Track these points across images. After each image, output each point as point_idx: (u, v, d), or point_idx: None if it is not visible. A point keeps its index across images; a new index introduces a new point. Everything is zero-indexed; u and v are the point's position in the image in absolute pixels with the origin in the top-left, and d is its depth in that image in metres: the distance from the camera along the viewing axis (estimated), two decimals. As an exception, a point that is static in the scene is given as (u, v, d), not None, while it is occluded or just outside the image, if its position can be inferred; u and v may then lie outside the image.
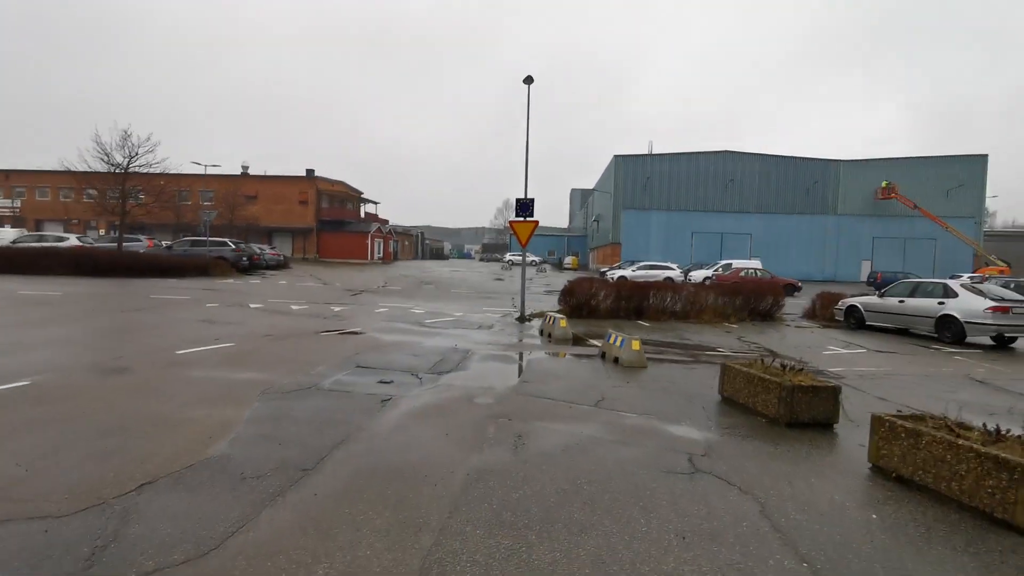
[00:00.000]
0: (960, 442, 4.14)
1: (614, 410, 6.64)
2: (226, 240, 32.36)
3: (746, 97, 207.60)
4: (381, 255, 64.00)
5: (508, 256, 71.19)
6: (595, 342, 12.20)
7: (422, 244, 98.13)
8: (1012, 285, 20.14)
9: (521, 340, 12.42)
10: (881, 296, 15.72)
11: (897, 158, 55.04)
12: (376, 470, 4.51)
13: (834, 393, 6.19)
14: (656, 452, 5.14)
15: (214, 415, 5.74)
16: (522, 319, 15.72)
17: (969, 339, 13.27)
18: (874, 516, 3.95)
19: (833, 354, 11.93)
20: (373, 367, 8.54)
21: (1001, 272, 44.82)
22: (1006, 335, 13.12)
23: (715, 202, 55.47)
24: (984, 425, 4.33)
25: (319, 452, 4.85)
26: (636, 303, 17.03)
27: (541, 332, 13.31)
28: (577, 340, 12.43)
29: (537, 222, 16.06)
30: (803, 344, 13.14)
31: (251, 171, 59.63)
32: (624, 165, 56.41)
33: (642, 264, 35.53)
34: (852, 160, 54.92)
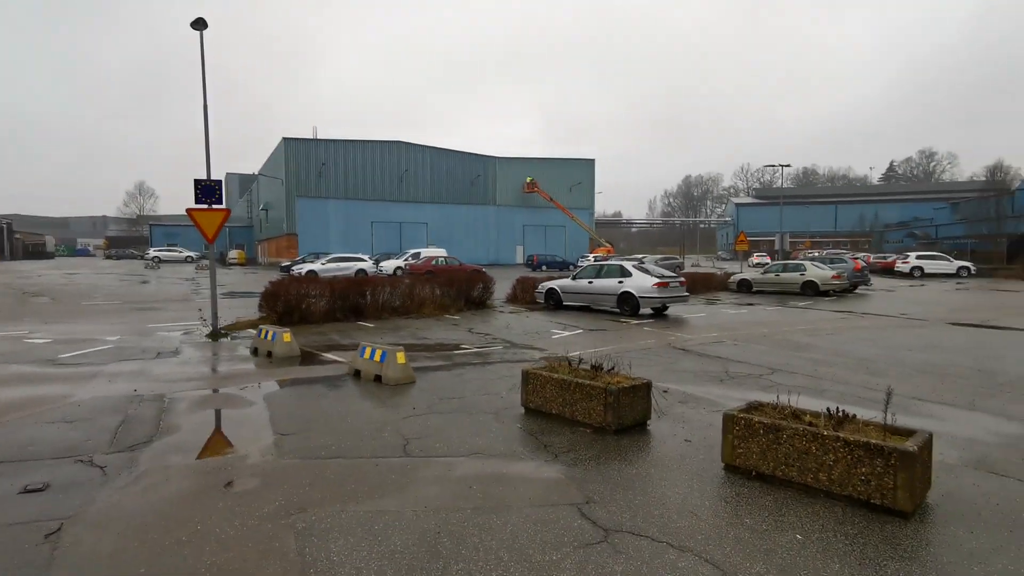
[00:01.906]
0: (826, 433, 4.21)
1: (432, 456, 5.15)
2: None
3: (421, 94, 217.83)
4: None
5: (152, 252, 58.19)
6: (331, 356, 10.14)
7: (10, 239, 72.45)
8: (667, 263, 25.57)
9: (232, 367, 9.45)
10: (574, 279, 17.74)
11: (537, 158, 65.24)
12: None
13: (647, 389, 6.07)
14: (538, 517, 3.95)
15: None
16: (215, 336, 12.25)
17: (642, 311, 15.98)
18: (799, 537, 3.64)
19: (560, 337, 12.67)
20: (-7, 462, 4.94)
21: (608, 252, 57.92)
22: (665, 305, 16.28)
23: (393, 192, 56.08)
24: (828, 410, 4.55)
25: None
26: (353, 302, 15.25)
27: (255, 351, 10.45)
28: (308, 356, 10.14)
29: (228, 211, 12.68)
30: (530, 330, 13.69)
31: None
32: (296, 149, 51.98)
33: (332, 257, 33.15)
34: (505, 157, 62.69)
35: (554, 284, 18.10)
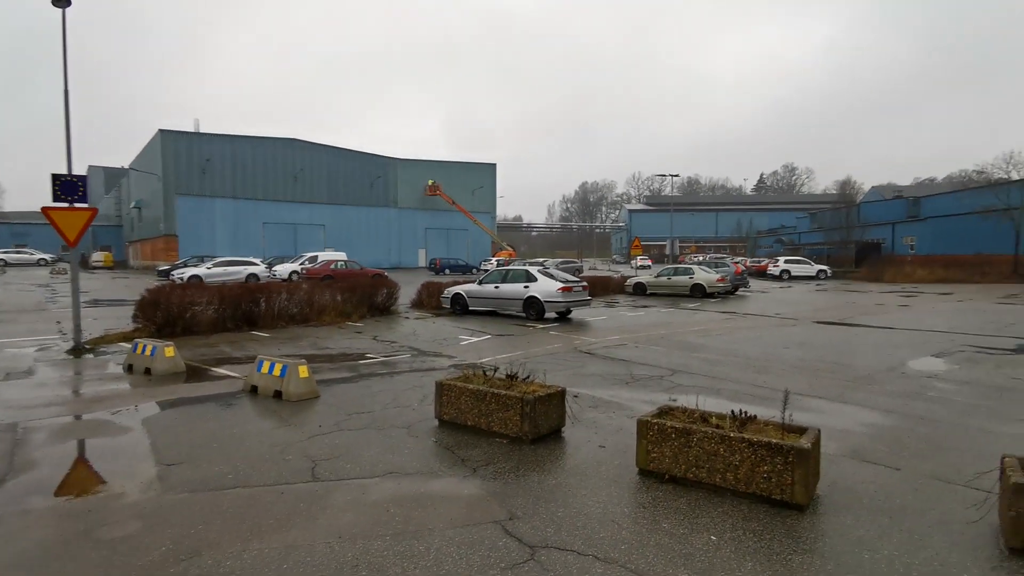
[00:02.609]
0: (732, 434, 4.46)
1: (344, 479, 4.84)
2: None
3: (322, 94, 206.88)
4: None
5: (-6, 253, 50.59)
6: (223, 370, 9.32)
7: None
8: (567, 267, 26.11)
9: (102, 388, 8.38)
10: (480, 284, 17.71)
11: (439, 161, 64.69)
12: None
13: (561, 397, 6.12)
14: (462, 539, 3.82)
15: None
16: (78, 351, 10.83)
17: (547, 315, 16.28)
18: (714, 538, 3.81)
19: (469, 343, 12.57)
20: None
21: (510, 255, 58.74)
22: (569, 309, 16.70)
23: (287, 192, 53.09)
24: (732, 412, 4.82)
25: None
26: (246, 310, 14.17)
27: (129, 368, 9.35)
28: (195, 372, 9.24)
29: (94, 211, 11.29)
30: (438, 336, 13.45)
31: None
32: (175, 143, 47.66)
33: (220, 260, 30.62)
34: (406, 159, 61.57)
35: (460, 289, 17.96)
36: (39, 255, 53.53)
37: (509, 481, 4.79)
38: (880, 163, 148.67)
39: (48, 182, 10.72)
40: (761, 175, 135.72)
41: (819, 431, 4.62)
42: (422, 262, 59.16)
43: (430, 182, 61.21)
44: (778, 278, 40.10)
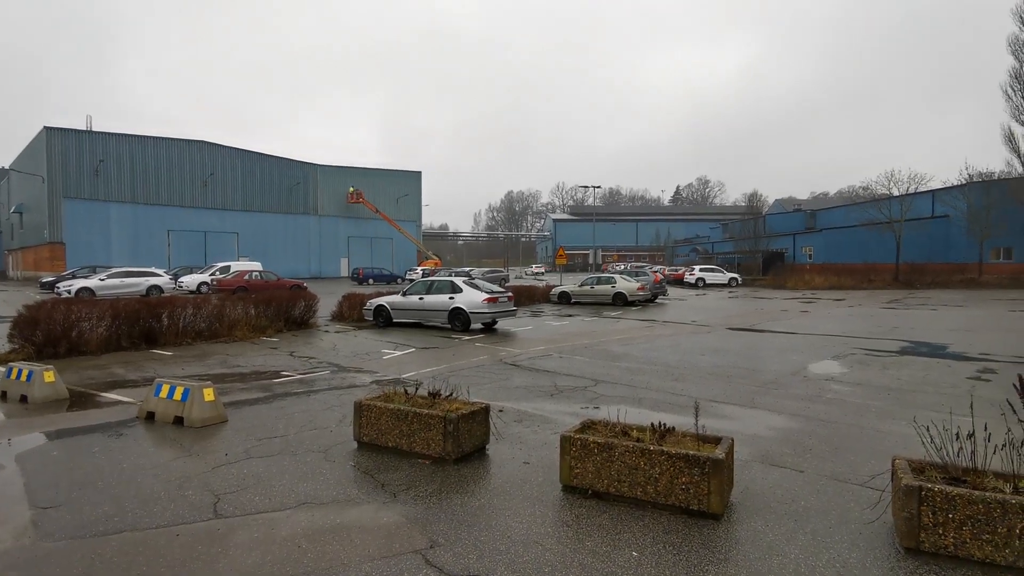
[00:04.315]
0: (652, 448, 4.53)
1: (250, 513, 4.47)
2: None
3: (242, 100, 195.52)
4: None
5: None
6: (114, 395, 8.49)
7: None
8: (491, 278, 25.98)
9: (-34, 419, 7.36)
10: (404, 295, 17.31)
11: (362, 168, 63.09)
12: None
13: (486, 413, 6.02)
14: (380, 573, 3.61)
15: None
16: (-61, 377, 9.50)
17: (473, 326, 16.15)
18: (635, 554, 3.82)
19: (392, 357, 12.22)
20: None
21: (435, 265, 58.18)
22: (495, 319, 16.66)
23: (195, 197, 49.88)
24: (652, 425, 4.90)
25: None
26: (145, 326, 13.06)
27: (3, 396, 8.30)
28: (80, 398, 8.35)
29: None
30: (360, 351, 12.97)
31: None
32: (62, 142, 43.58)
33: (115, 271, 28.11)
34: (328, 165, 59.62)
35: (383, 300, 17.49)
36: None
37: (431, 505, 4.62)
38: (782, 177, 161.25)
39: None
40: (677, 187, 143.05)
41: (732, 440, 4.79)
42: (344, 272, 57.37)
43: (352, 189, 59.57)
44: (694, 286, 42.16)
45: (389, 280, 45.79)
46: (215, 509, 4.55)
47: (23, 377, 8.19)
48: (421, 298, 16.84)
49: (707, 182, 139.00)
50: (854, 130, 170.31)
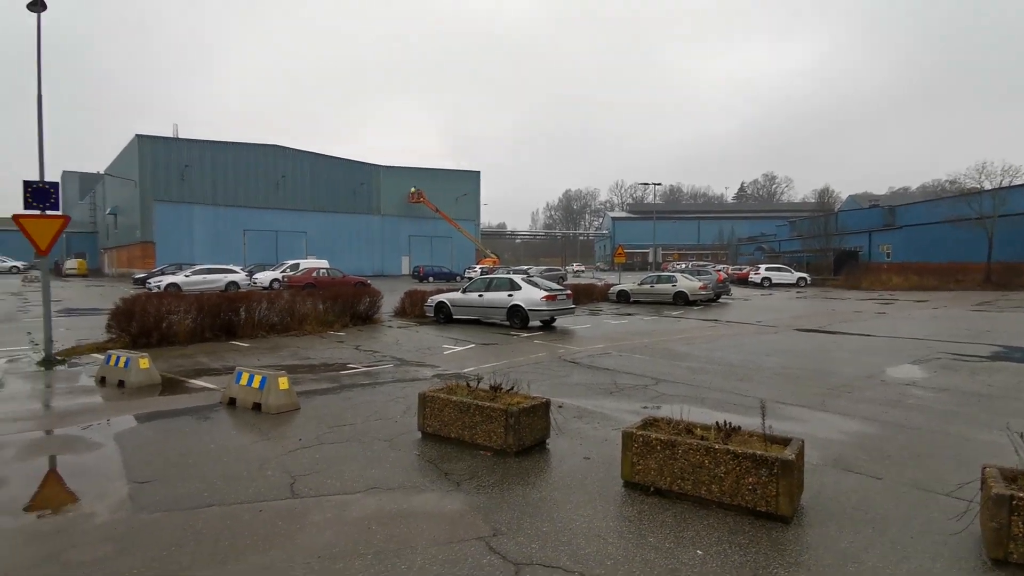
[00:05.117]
0: (717, 446, 4.44)
1: (324, 495, 4.72)
2: None
3: (311, 105, 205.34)
4: None
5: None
6: (200, 382, 9.11)
7: None
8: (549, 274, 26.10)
9: (73, 401, 8.13)
10: (464, 292, 17.61)
11: (423, 168, 64.51)
12: None
13: (546, 408, 6.07)
14: (445, 557, 3.73)
15: None
16: (49, 363, 10.52)
17: (531, 323, 16.23)
18: (700, 552, 3.78)
19: (453, 352, 12.47)
20: None
21: (494, 263, 58.74)
22: (554, 317, 16.68)
23: (268, 198, 52.55)
24: (716, 423, 4.81)
25: None
26: (225, 319, 13.92)
27: (102, 381, 9.09)
28: (171, 384, 9.02)
29: (66, 219, 11.00)
30: (422, 346, 13.32)
31: None
32: (152, 148, 46.96)
33: (198, 268, 30.12)
34: (390, 166, 61.34)
35: (444, 297, 17.85)
36: (11, 263, 52.25)
37: (493, 495, 4.72)
38: (857, 173, 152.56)
39: (20, 188, 10.44)
40: (742, 184, 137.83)
41: (803, 442, 4.62)
42: (405, 270, 58.87)
43: (413, 189, 61.03)
44: (759, 285, 40.59)
45: (448, 278, 46.64)
46: (292, 489, 4.82)
47: (121, 364, 8.93)
48: (480, 295, 17.07)
49: (773, 178, 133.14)
50: (935, 124, 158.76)
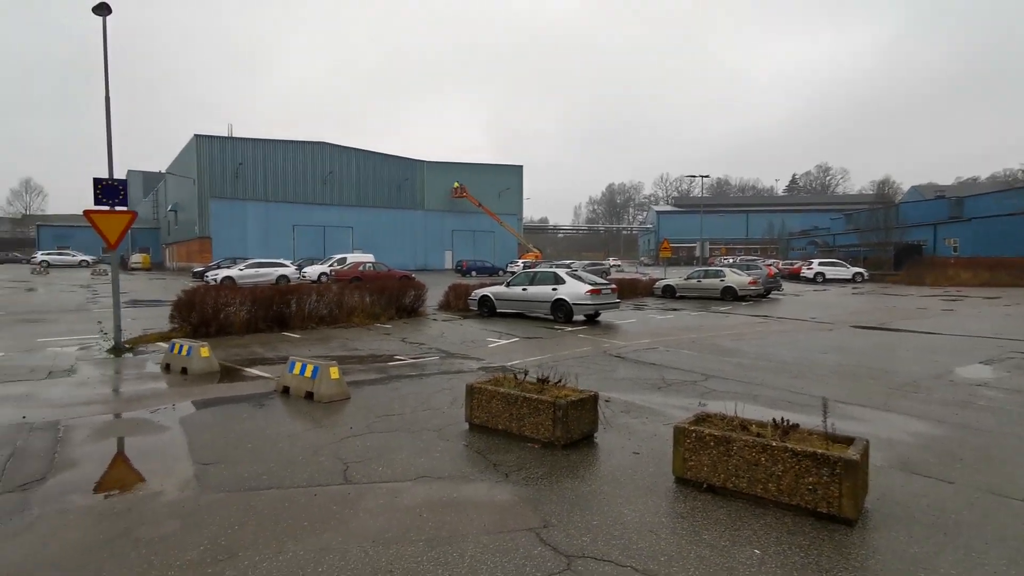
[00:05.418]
0: (774, 443, 4.29)
1: (375, 482, 4.82)
2: None
3: (357, 100, 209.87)
4: None
5: (40, 255, 52.64)
6: (256, 371, 9.46)
7: None
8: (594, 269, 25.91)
9: (141, 387, 8.57)
10: (508, 286, 17.65)
11: (465, 163, 64.93)
12: None
13: (594, 401, 6.02)
14: (496, 546, 3.75)
15: None
16: (118, 351, 11.12)
17: (575, 318, 16.13)
18: (758, 552, 3.66)
19: (497, 345, 12.52)
20: None
21: (536, 257, 58.63)
22: (598, 311, 16.53)
23: (316, 194, 54.01)
24: (773, 420, 4.65)
25: None
26: (277, 311, 14.40)
27: (167, 368, 9.56)
28: (229, 372, 9.39)
29: (134, 214, 11.60)
30: (466, 339, 13.43)
31: None
32: (209, 147, 48.93)
33: (251, 262, 31.30)
34: (433, 161, 61.97)
35: (487, 291, 17.94)
36: (81, 257, 55.49)
37: (542, 487, 4.71)
38: (919, 163, 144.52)
39: (90, 186, 11.07)
40: (793, 176, 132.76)
41: (867, 441, 4.42)
42: (448, 264, 59.49)
43: (456, 184, 61.51)
44: (812, 281, 39.09)
45: (491, 272, 46.82)
46: (345, 475, 4.94)
47: (184, 352, 9.36)
48: (524, 289, 17.07)
49: (827, 169, 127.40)
50: (1005, 109, 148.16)
